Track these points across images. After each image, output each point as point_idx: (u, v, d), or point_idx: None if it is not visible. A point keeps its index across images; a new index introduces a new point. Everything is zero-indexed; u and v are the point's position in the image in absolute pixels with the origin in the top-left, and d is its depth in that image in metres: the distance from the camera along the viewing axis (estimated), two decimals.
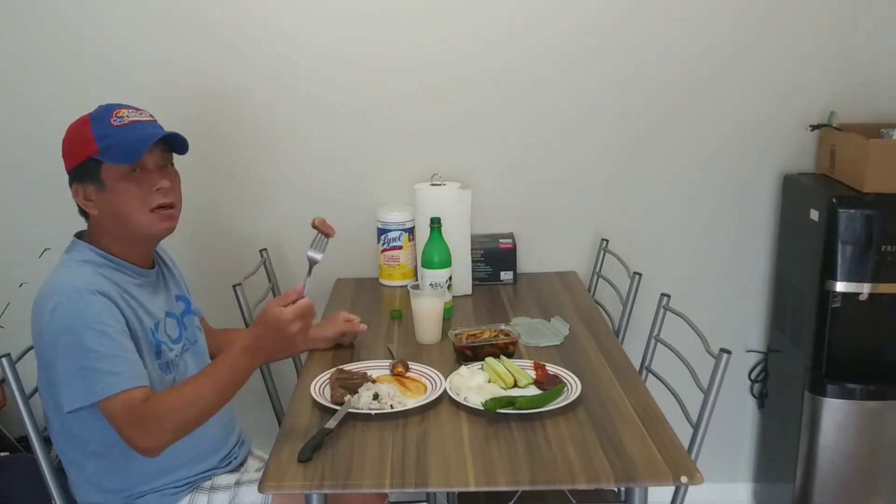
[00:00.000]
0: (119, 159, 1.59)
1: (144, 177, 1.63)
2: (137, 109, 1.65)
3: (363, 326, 2.03)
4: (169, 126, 1.68)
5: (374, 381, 1.75)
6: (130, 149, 1.59)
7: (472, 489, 1.42)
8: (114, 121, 1.60)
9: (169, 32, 2.45)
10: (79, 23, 2.44)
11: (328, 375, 1.79)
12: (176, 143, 1.68)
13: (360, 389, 1.69)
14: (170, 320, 1.74)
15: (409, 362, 1.85)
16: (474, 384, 1.73)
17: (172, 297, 1.80)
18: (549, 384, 1.74)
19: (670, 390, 1.91)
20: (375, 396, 1.66)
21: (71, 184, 1.64)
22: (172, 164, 1.71)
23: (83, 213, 1.67)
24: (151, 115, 1.68)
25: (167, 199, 1.66)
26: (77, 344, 1.49)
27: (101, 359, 1.49)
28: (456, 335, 1.96)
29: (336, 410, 1.63)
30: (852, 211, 2.24)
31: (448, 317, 2.19)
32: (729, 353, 1.72)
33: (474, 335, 1.95)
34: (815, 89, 2.54)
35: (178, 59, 2.47)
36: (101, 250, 1.64)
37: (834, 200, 2.26)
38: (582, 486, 1.45)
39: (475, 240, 2.48)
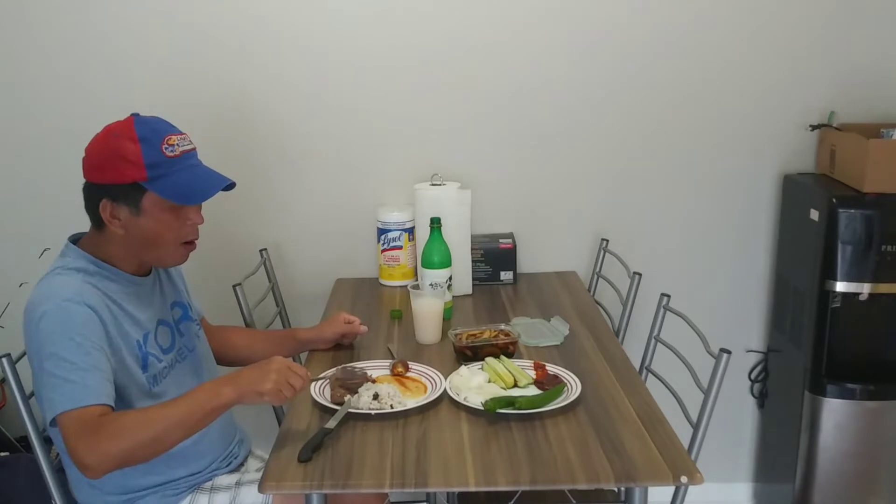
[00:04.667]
0: (174, 197, 1.59)
1: (184, 210, 1.63)
2: (181, 133, 1.63)
3: (364, 328, 2.03)
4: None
5: (374, 381, 1.75)
6: (190, 192, 1.60)
7: (472, 489, 1.42)
8: (165, 149, 1.57)
9: (169, 34, 2.45)
10: (82, 25, 2.44)
11: (328, 375, 1.79)
12: None
13: (360, 389, 1.69)
14: (162, 329, 1.72)
15: (409, 362, 1.85)
16: (474, 384, 1.73)
17: (168, 304, 1.78)
18: (549, 384, 1.74)
19: (670, 390, 1.91)
20: (375, 396, 1.66)
21: (99, 197, 1.58)
22: None
23: (98, 223, 1.62)
24: (191, 141, 1.66)
25: (196, 234, 1.68)
26: (54, 353, 1.46)
27: (73, 371, 1.45)
28: (456, 335, 1.96)
29: (336, 410, 1.63)
30: (852, 211, 2.24)
31: (448, 317, 2.19)
32: (729, 353, 1.72)
33: (474, 335, 1.95)
34: (815, 89, 2.54)
35: (178, 59, 2.47)
36: (95, 258, 1.62)
37: (834, 200, 2.26)
38: (582, 486, 1.45)
39: (475, 240, 2.48)
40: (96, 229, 1.64)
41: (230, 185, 1.68)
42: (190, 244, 1.68)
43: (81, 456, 1.40)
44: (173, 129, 1.62)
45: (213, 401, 1.50)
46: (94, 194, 1.60)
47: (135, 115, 1.62)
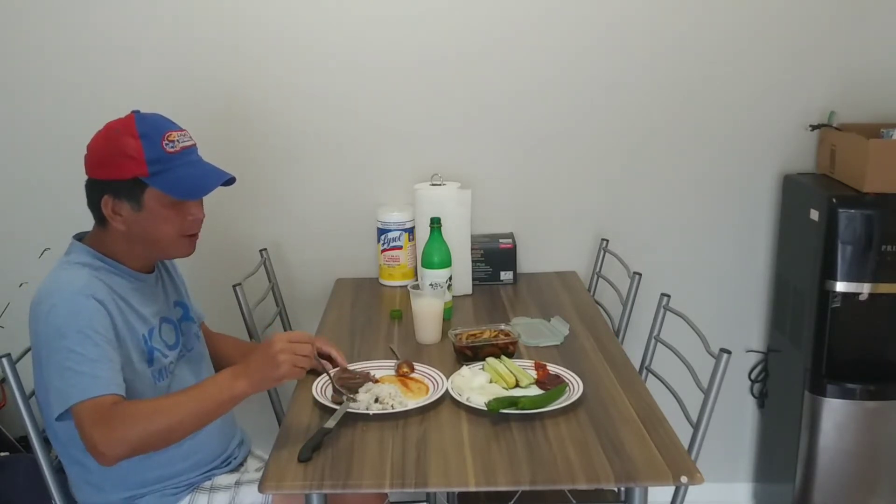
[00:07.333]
0: (174, 192, 1.60)
1: (185, 205, 1.64)
2: (181, 130, 1.64)
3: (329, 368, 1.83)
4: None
5: (376, 381, 1.75)
6: (191, 187, 1.61)
7: (472, 489, 1.42)
8: (166, 145, 1.58)
9: (170, 34, 2.45)
10: (82, 25, 2.43)
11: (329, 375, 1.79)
12: None
13: (360, 389, 1.69)
14: (166, 326, 1.73)
15: (413, 363, 1.85)
16: (476, 384, 1.73)
17: (171, 302, 1.79)
18: (550, 384, 1.74)
19: (670, 390, 1.91)
20: (377, 399, 1.66)
21: (101, 193, 1.60)
22: None
23: (101, 219, 1.64)
24: (191, 137, 1.67)
25: (197, 228, 1.69)
26: (64, 346, 1.48)
27: (84, 362, 1.47)
28: (456, 335, 1.96)
29: (336, 410, 1.62)
30: (852, 211, 2.24)
31: (448, 317, 2.19)
32: (729, 353, 1.72)
33: (474, 335, 1.95)
34: (815, 89, 2.54)
35: (177, 59, 2.47)
36: (100, 253, 1.63)
37: (834, 200, 2.26)
38: (582, 486, 1.45)
39: (475, 240, 2.48)
40: (99, 226, 1.65)
41: (230, 180, 1.69)
42: (193, 236, 1.69)
43: (97, 443, 1.43)
44: (173, 126, 1.64)
45: (226, 393, 1.51)
46: (95, 191, 1.61)
47: (135, 112, 1.63)
